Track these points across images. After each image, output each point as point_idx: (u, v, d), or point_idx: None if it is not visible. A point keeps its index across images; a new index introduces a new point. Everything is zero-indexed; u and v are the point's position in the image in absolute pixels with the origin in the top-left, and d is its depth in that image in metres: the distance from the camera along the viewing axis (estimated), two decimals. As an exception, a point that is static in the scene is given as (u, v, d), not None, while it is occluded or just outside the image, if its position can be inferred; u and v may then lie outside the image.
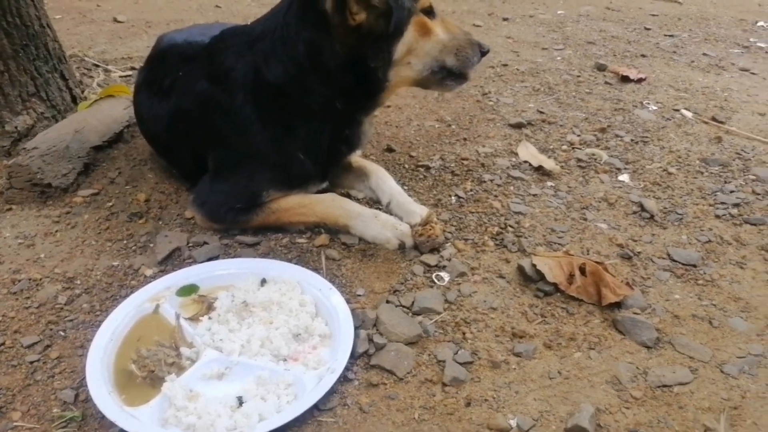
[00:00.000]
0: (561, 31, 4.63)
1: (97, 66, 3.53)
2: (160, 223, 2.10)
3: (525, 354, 1.54)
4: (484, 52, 2.03)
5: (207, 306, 1.67)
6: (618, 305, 1.70)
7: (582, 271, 1.77)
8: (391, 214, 2.04)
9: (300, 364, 1.47)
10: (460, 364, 1.50)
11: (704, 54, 4.12)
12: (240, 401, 1.34)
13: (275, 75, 1.88)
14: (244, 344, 1.50)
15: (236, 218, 1.99)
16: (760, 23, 5.03)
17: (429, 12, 1.90)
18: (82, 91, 2.98)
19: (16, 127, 2.43)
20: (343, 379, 1.45)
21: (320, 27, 1.80)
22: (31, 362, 1.51)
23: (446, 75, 2.01)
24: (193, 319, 1.62)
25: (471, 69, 2.03)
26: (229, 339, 1.51)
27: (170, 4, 5.24)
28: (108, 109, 2.70)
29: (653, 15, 5.23)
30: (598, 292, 1.72)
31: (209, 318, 1.60)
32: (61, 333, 1.61)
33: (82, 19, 4.72)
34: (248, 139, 1.95)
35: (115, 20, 4.68)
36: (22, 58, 2.45)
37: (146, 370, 1.44)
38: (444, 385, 1.45)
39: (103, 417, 1.31)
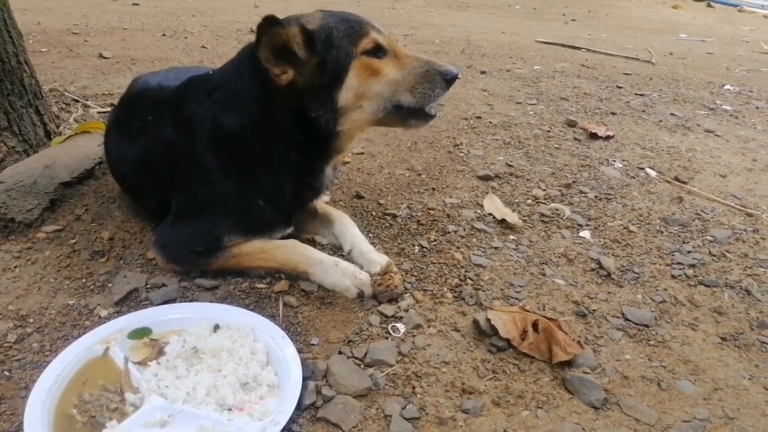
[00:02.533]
0: (536, 86, 4.78)
1: (77, 101, 3.56)
2: (122, 262, 2.10)
3: (473, 411, 1.54)
4: (448, 79, 1.88)
5: (158, 350, 1.66)
6: (569, 363, 1.72)
7: (535, 327, 1.79)
8: (352, 262, 2.06)
9: (245, 414, 1.46)
10: (407, 419, 1.50)
11: (672, 114, 4.26)
12: (179, 452, 1.33)
13: (232, 125, 1.92)
14: (190, 392, 1.48)
15: (196, 261, 2.00)
16: (727, 86, 5.23)
17: (376, 52, 1.85)
18: (58, 126, 3.00)
19: (-15, 160, 2.44)
20: (288, 431, 1.44)
21: (266, 83, 1.83)
22: (-29, 403, 1.48)
23: (407, 114, 1.93)
24: (142, 363, 1.61)
25: (432, 103, 1.92)
26: (175, 386, 1.50)
27: (157, 43, 5.34)
28: (82, 145, 2.72)
29: (626, 74, 5.42)
30: (549, 349, 1.74)
31: (158, 363, 1.59)
32: (6, 373, 1.59)
33: (68, 54, 4.78)
34: (210, 185, 1.98)
35: (101, 56, 4.75)
36: (-4, 93, 2.48)
37: (87, 416, 1.42)
38: (389, 440, 1.44)
39: (37, 464, 1.29)
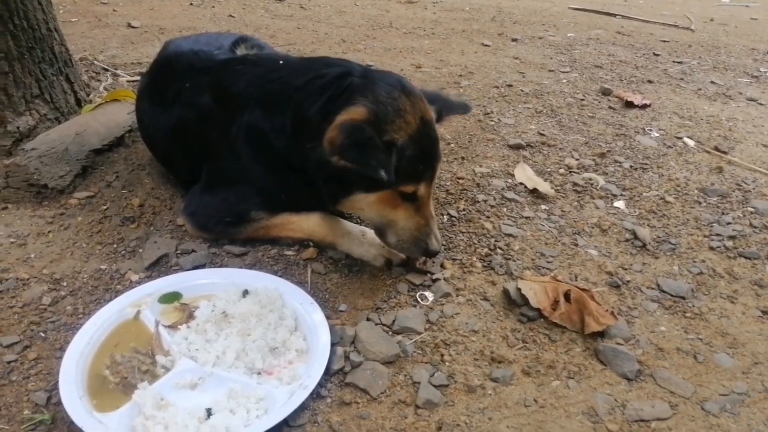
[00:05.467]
0: (569, 53, 4.63)
1: (106, 70, 3.58)
2: (152, 228, 2.11)
3: (502, 380, 1.52)
4: (426, 251, 1.84)
5: (188, 314, 1.67)
6: (601, 334, 1.68)
7: (567, 297, 1.75)
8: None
9: (274, 378, 1.47)
10: (435, 386, 1.48)
11: (712, 82, 4.09)
12: (209, 413, 1.34)
13: (268, 127, 1.89)
14: (219, 355, 1.50)
15: (225, 230, 2.01)
16: (772, 53, 5.00)
17: (410, 197, 1.79)
18: (88, 95, 3.02)
19: (18, 128, 2.46)
20: (316, 395, 1.44)
21: (312, 135, 1.75)
22: (9, 362, 1.52)
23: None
24: (173, 327, 1.62)
25: (403, 256, 1.91)
26: (204, 349, 1.51)
27: (184, 12, 5.32)
28: (111, 113, 2.74)
29: (664, 41, 5.22)
30: (581, 320, 1.70)
31: (188, 327, 1.60)
32: (42, 334, 1.62)
33: (97, 23, 4.80)
34: (240, 165, 1.97)
35: (129, 25, 4.75)
36: (28, 61, 2.49)
37: (119, 377, 1.45)
38: (417, 407, 1.43)
39: (73, 422, 1.31)
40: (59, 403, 1.38)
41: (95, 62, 3.64)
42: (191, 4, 5.73)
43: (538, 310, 1.74)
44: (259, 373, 1.48)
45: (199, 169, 2.10)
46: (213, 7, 5.70)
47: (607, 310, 1.74)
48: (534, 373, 1.56)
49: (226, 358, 1.49)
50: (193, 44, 2.37)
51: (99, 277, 1.85)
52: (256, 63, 2.09)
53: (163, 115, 2.19)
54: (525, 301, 1.76)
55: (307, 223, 1.99)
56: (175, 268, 1.89)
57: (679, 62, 4.58)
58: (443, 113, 1.99)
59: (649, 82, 4.03)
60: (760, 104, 3.71)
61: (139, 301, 1.68)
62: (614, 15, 6.38)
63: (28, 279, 1.82)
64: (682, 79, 4.15)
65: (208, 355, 1.49)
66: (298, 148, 1.83)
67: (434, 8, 6.30)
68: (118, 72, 3.56)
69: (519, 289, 1.78)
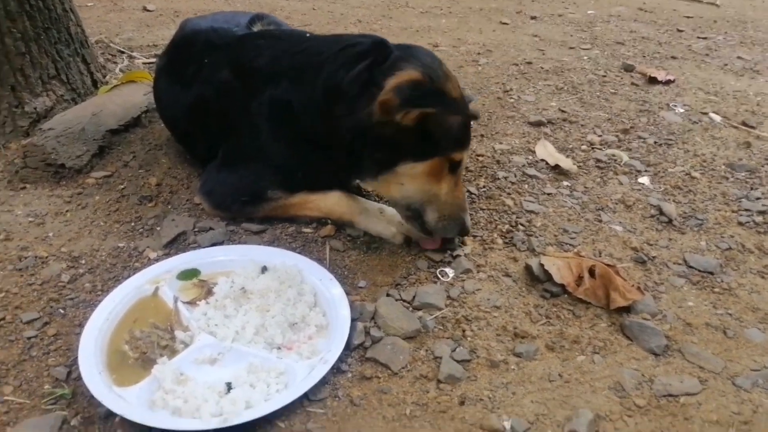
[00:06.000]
0: (590, 30, 4.53)
1: (122, 52, 3.57)
2: (169, 207, 2.10)
3: (525, 355, 1.49)
4: (462, 231, 1.82)
5: (206, 291, 1.66)
6: (627, 310, 1.64)
7: (591, 273, 1.71)
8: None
9: (294, 353, 1.45)
10: (457, 361, 1.46)
11: (739, 57, 3.97)
12: (229, 387, 1.32)
13: (295, 99, 1.85)
14: (239, 330, 1.48)
15: (242, 209, 1.99)
16: (801, 28, 4.84)
17: (454, 167, 1.75)
18: (104, 76, 3.01)
19: (35, 108, 2.46)
20: (336, 370, 1.42)
21: (348, 104, 1.71)
22: (29, 338, 1.51)
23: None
24: (192, 303, 1.61)
25: (442, 236, 1.84)
26: (224, 324, 1.50)
27: (199, -5, 5.29)
28: (128, 94, 2.72)
29: (687, 17, 5.08)
30: (606, 295, 1.66)
31: (207, 303, 1.59)
32: (61, 311, 1.62)
33: (113, 7, 4.79)
34: (259, 142, 1.94)
35: (145, 9, 4.74)
36: (44, 41, 2.48)
37: (138, 352, 1.44)
38: (439, 382, 1.41)
39: (93, 396, 1.31)
40: (79, 378, 1.37)
41: (111, 45, 3.63)
42: (206, -13, 5.69)
43: (562, 285, 1.70)
44: (279, 348, 1.46)
45: (218, 148, 2.08)
46: (227, -11, 5.65)
47: (633, 285, 1.70)
48: (558, 349, 1.52)
49: (245, 333, 1.47)
50: (211, 22, 2.35)
51: (117, 254, 1.85)
52: (279, 37, 2.06)
53: (182, 93, 2.17)
54: (548, 277, 1.72)
55: (325, 202, 1.97)
56: (193, 246, 1.88)
57: (703, 38, 4.45)
58: None
59: (673, 58, 3.92)
60: (790, 79, 3.59)
61: (158, 277, 1.67)
62: (635, -8, 6.21)
63: (46, 257, 1.82)
64: (707, 54, 4.04)
65: (227, 330, 1.48)
66: (329, 119, 1.78)
67: (450, -12, 6.19)
68: (134, 54, 3.55)
69: (542, 265, 1.74)
